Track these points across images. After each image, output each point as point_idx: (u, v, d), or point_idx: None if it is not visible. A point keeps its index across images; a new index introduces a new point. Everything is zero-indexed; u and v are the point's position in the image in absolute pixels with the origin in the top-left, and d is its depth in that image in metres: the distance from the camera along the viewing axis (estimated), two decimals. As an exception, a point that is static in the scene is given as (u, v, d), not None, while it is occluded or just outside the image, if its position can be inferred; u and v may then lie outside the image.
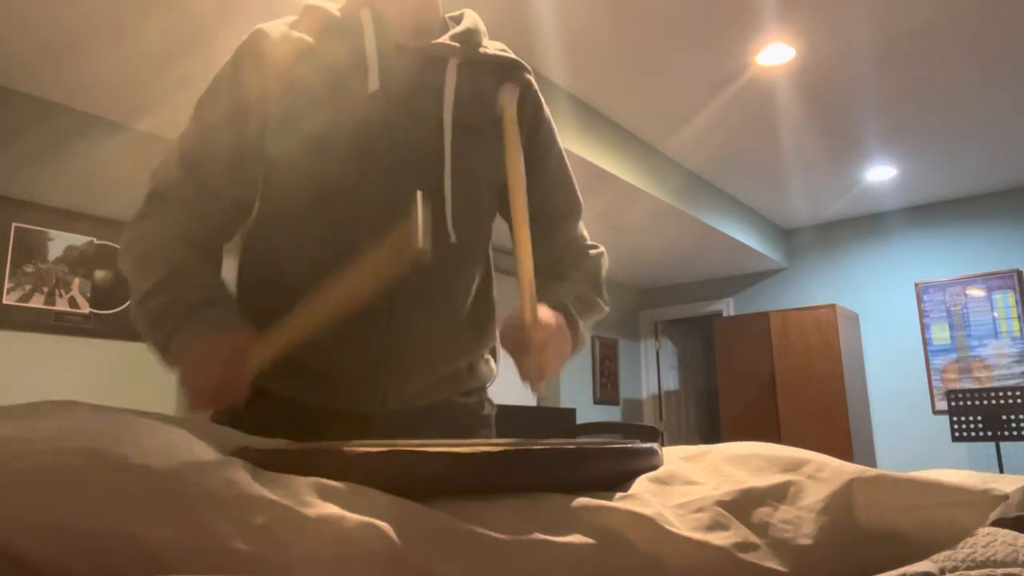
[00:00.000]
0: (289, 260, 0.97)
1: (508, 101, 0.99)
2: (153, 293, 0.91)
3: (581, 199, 1.19)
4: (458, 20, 1.08)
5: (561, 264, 1.13)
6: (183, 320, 0.88)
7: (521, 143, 1.09)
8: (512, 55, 1.10)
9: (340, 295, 0.83)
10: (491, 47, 1.07)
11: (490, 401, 1.14)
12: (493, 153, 1.03)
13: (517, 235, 0.91)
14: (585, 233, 1.19)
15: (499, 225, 1.15)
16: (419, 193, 0.75)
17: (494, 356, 1.15)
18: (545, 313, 0.94)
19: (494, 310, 1.11)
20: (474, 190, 1.02)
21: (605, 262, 1.18)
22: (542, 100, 1.13)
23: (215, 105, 0.99)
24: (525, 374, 0.91)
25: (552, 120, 1.16)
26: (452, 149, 0.98)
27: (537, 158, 1.11)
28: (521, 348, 0.90)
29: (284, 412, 0.95)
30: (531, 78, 1.11)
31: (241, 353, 0.83)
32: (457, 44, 1.01)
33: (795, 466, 0.64)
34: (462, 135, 0.99)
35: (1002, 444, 5.00)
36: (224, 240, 1.02)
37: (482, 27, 1.08)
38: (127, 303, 0.97)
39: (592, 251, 1.17)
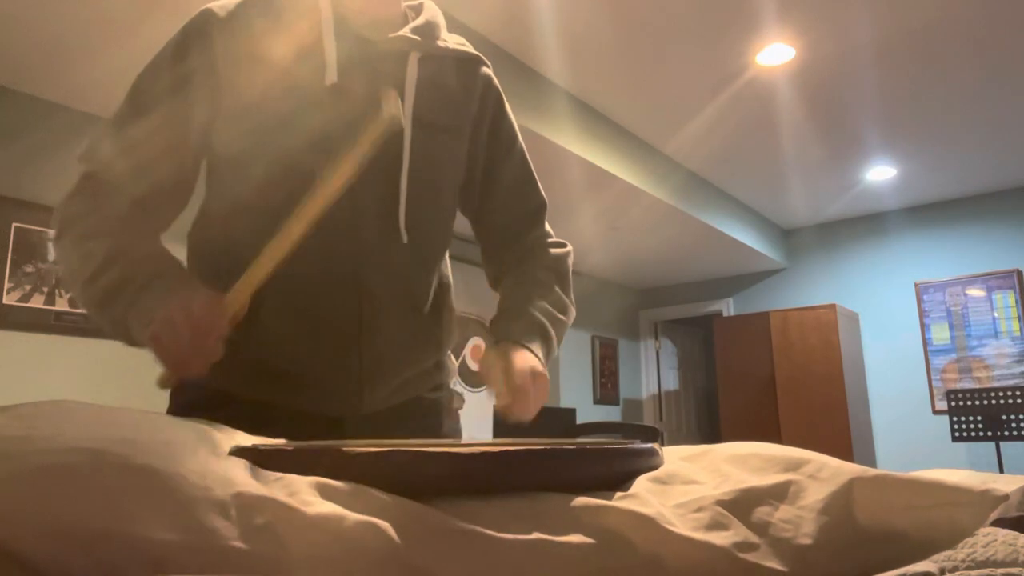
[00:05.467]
0: (245, 255, 0.92)
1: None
2: (101, 271, 0.86)
3: (544, 195, 1.17)
4: (417, 11, 1.04)
5: (530, 262, 1.11)
6: (140, 292, 0.84)
7: (483, 141, 1.08)
8: (471, 49, 1.07)
9: (304, 211, 0.83)
10: (450, 40, 1.04)
11: (459, 395, 1.13)
12: (454, 149, 1.02)
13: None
14: (550, 230, 1.17)
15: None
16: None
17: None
18: (520, 372, 0.92)
19: (453, 306, 1.10)
20: (435, 187, 1.00)
21: (571, 260, 1.17)
22: (503, 96, 1.11)
23: (157, 86, 0.93)
24: (507, 417, 0.92)
25: (513, 116, 1.13)
26: (413, 145, 0.95)
27: (499, 157, 1.09)
28: (504, 405, 0.91)
29: (254, 416, 0.90)
30: (490, 72, 1.09)
31: (212, 307, 0.80)
32: (418, 37, 0.98)
33: (795, 466, 0.64)
34: (423, 131, 0.97)
35: (1002, 444, 5.00)
36: (162, 226, 0.97)
37: (441, 20, 1.05)
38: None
39: (557, 249, 1.15)
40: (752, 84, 3.82)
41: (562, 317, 1.08)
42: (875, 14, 3.22)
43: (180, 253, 1.02)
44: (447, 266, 1.11)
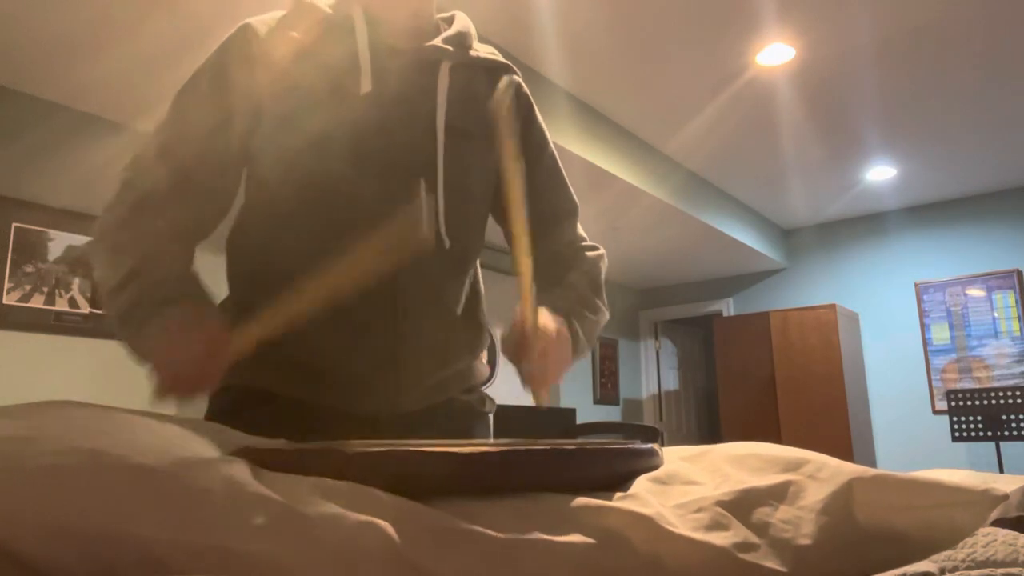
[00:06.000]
0: (282, 261, 0.96)
1: (504, 98, 0.97)
2: (123, 285, 0.88)
3: (577, 200, 1.19)
4: (449, 22, 1.07)
5: (562, 264, 1.13)
6: (153, 313, 0.86)
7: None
8: (501, 58, 1.10)
9: (330, 283, 0.83)
10: (481, 50, 1.07)
11: (490, 399, 1.14)
12: (485, 157, 1.04)
13: (516, 243, 0.92)
14: (583, 234, 1.19)
15: (496, 224, 1.15)
16: (421, 182, 0.75)
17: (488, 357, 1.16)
18: (546, 319, 0.94)
19: (484, 310, 1.12)
20: (467, 193, 1.02)
21: (604, 264, 1.18)
22: (533, 102, 1.13)
23: (198, 99, 0.97)
24: (527, 381, 0.92)
25: (544, 122, 1.15)
26: (445, 153, 0.97)
27: (530, 160, 1.11)
28: (522, 354, 0.91)
29: (294, 415, 0.94)
30: (519, 80, 1.11)
31: (216, 341, 0.82)
32: (450, 47, 1.01)
33: (795, 466, 0.64)
34: (454, 138, 0.99)
35: (1002, 444, 5.00)
36: (200, 237, 0.99)
37: (473, 30, 1.08)
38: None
39: (591, 252, 1.16)
40: (752, 84, 3.82)
41: (592, 317, 1.09)
42: (875, 14, 3.22)
43: (218, 260, 1.04)
44: (479, 275, 1.12)
